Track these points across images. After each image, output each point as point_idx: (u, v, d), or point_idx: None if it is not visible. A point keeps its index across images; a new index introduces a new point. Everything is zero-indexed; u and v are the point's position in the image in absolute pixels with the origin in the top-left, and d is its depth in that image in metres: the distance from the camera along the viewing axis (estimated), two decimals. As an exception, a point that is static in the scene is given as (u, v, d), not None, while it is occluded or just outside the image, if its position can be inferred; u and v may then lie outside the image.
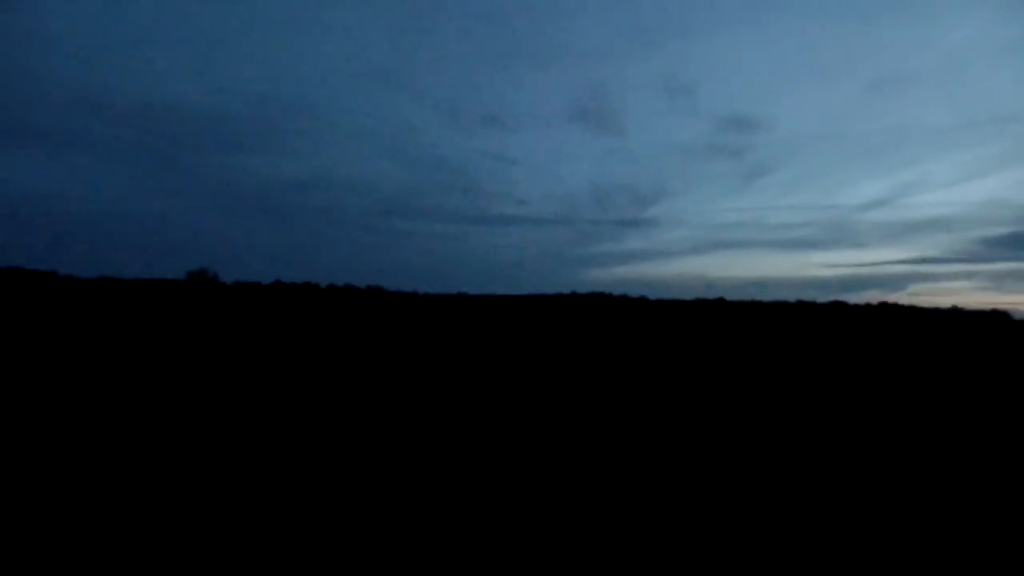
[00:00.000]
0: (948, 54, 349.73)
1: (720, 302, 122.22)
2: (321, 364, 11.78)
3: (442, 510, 4.08)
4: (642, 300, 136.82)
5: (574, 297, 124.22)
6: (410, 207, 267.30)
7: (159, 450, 5.39)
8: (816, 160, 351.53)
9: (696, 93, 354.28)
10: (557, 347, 17.26)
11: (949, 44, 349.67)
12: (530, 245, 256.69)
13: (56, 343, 14.05)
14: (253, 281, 66.05)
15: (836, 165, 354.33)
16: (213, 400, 7.74)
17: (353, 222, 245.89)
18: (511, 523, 3.88)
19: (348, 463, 5.15)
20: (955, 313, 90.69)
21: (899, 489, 4.72)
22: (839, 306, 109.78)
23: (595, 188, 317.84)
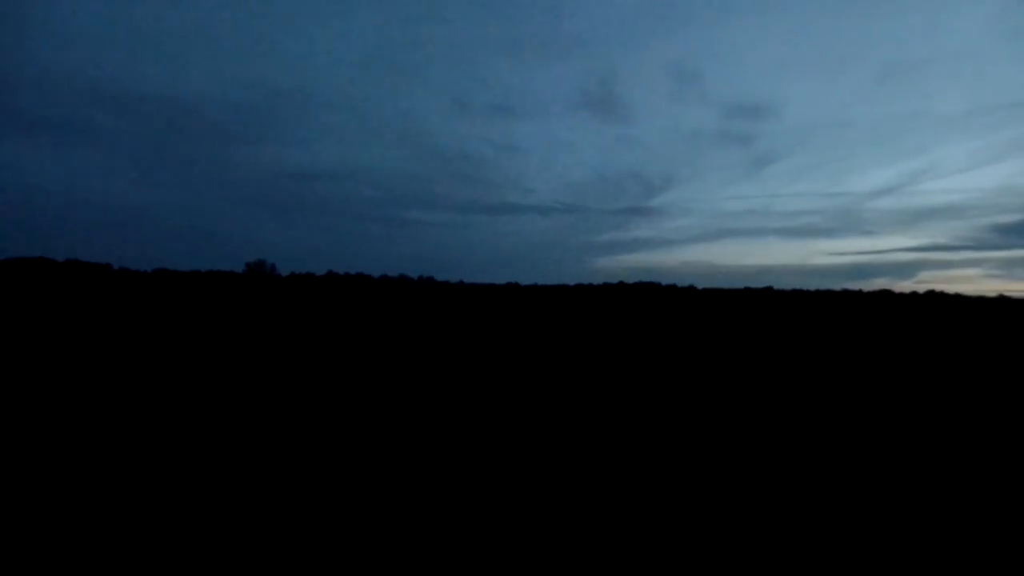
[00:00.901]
0: (957, 41, 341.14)
1: (768, 291, 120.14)
2: (376, 356, 11.63)
3: (514, 502, 4.06)
4: (690, 289, 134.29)
5: (622, 287, 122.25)
6: (417, 196, 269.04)
7: (222, 440, 5.41)
8: (824, 147, 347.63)
9: (704, 81, 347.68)
10: (616, 338, 16.83)
11: (958, 31, 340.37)
12: (538, 234, 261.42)
13: (118, 335, 13.98)
14: (306, 272, 65.11)
15: (845, 152, 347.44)
16: (280, 390, 7.82)
17: (360, 211, 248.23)
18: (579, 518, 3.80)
19: (413, 451, 5.20)
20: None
21: (919, 485, 4.55)
22: (886, 295, 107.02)
23: (603, 176, 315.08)
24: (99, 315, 20.52)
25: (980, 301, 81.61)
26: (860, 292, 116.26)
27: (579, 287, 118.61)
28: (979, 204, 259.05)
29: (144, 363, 9.72)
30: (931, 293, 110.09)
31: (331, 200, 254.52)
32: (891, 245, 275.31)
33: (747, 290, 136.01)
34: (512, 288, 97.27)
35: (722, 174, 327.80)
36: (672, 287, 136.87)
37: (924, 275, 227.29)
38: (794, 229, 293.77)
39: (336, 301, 40.83)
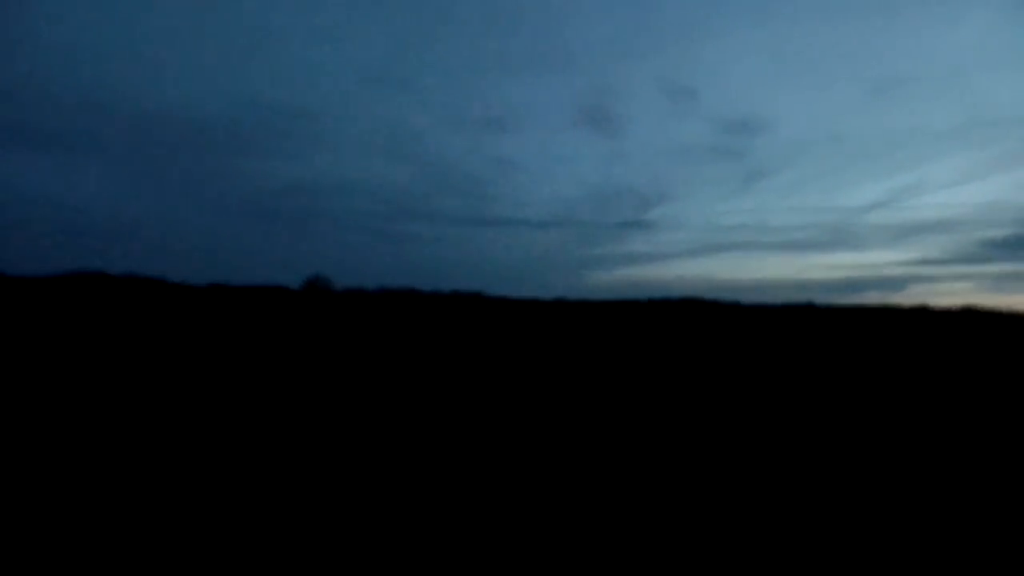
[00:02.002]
0: (949, 57, 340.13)
1: (810, 308, 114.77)
2: (429, 370, 11.69)
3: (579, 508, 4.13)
4: (735, 306, 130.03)
5: (666, 304, 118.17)
6: (412, 210, 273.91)
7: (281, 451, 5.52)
8: (817, 162, 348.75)
9: (697, 96, 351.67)
10: (672, 355, 16.83)
11: (950, 47, 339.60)
12: (532, 247, 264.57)
13: (177, 348, 14.11)
14: (358, 287, 64.26)
15: (837, 167, 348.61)
16: (341, 403, 7.88)
17: (356, 225, 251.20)
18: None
19: (478, 464, 5.22)
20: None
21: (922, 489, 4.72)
22: (923, 311, 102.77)
23: (597, 191, 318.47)
24: (159, 329, 20.60)
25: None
26: (898, 307, 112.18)
27: (625, 302, 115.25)
28: (970, 219, 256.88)
29: (201, 377, 9.62)
30: (968, 309, 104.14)
31: (327, 214, 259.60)
32: (883, 259, 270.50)
33: (788, 306, 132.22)
34: (560, 304, 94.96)
35: (716, 189, 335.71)
36: (716, 303, 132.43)
37: (914, 289, 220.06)
38: (787, 243, 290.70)
39: (389, 315, 40.50)
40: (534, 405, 8.27)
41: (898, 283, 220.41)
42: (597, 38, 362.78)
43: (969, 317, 77.98)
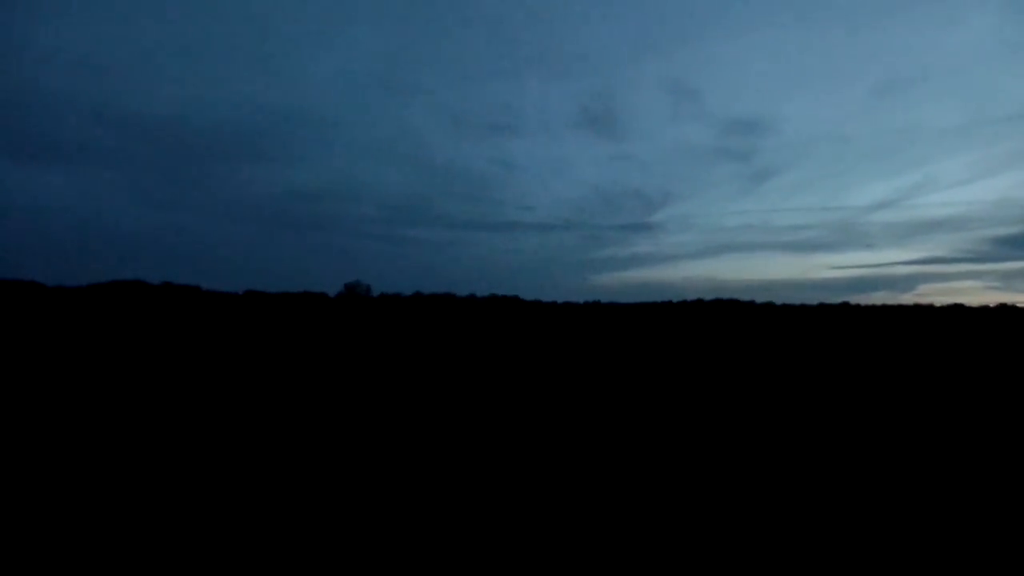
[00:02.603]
0: (955, 55, 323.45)
1: (845, 306, 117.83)
2: (467, 372, 11.91)
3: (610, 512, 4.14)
4: (768, 306, 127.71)
5: (700, 304, 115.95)
6: (417, 214, 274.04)
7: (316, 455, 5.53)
8: (823, 162, 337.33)
9: (701, 97, 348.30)
10: (712, 355, 16.93)
11: (956, 45, 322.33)
12: (538, 251, 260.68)
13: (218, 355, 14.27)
14: (394, 293, 63.27)
15: (843, 167, 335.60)
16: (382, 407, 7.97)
17: (360, 229, 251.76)
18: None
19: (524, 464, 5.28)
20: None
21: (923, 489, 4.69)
22: (958, 309, 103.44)
23: (602, 193, 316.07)
24: (200, 336, 20.60)
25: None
26: (931, 306, 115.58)
27: (658, 304, 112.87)
28: (978, 217, 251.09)
29: (241, 383, 9.81)
30: (1003, 306, 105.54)
31: (331, 218, 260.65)
32: (890, 259, 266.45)
33: (822, 306, 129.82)
34: (594, 306, 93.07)
35: (721, 190, 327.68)
36: (751, 303, 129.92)
37: (923, 288, 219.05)
38: (794, 243, 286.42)
39: (425, 320, 40.32)
40: (576, 405, 8.33)
41: (907, 282, 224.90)
42: (601, 40, 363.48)
43: (1004, 314, 77.09)
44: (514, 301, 76.75)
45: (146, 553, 3.39)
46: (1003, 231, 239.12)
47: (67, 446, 5.71)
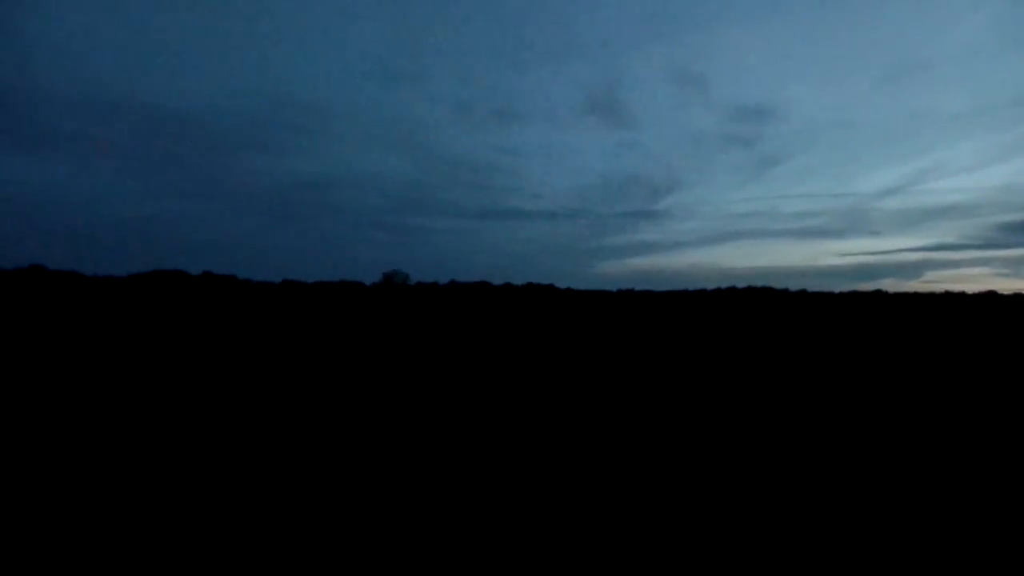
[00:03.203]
0: (962, 40, 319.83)
1: (878, 294, 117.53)
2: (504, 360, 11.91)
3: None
4: (801, 293, 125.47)
5: (733, 292, 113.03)
6: (423, 203, 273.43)
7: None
8: (830, 148, 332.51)
9: (708, 83, 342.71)
10: (751, 343, 16.89)
11: (963, 30, 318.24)
12: (544, 239, 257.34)
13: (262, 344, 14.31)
14: (430, 281, 62.77)
15: (850, 153, 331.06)
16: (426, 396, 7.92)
17: (366, 219, 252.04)
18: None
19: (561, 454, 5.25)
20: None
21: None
22: (992, 295, 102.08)
23: (608, 181, 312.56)
24: (240, 325, 20.63)
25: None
26: (963, 294, 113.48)
27: (689, 292, 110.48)
28: (985, 203, 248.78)
29: (286, 371, 9.79)
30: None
31: (336, 208, 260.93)
32: (897, 245, 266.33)
33: (855, 293, 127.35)
34: (627, 294, 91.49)
35: (727, 176, 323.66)
36: (785, 291, 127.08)
37: (930, 275, 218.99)
38: (801, 230, 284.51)
39: (461, 309, 40.28)
40: (617, 395, 8.29)
41: (914, 269, 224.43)
42: (605, 27, 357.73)
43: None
44: (549, 289, 75.58)
45: (184, 533, 3.44)
46: (1011, 217, 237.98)
47: (118, 431, 5.75)
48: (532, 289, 72.53)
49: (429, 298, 49.18)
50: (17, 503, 3.94)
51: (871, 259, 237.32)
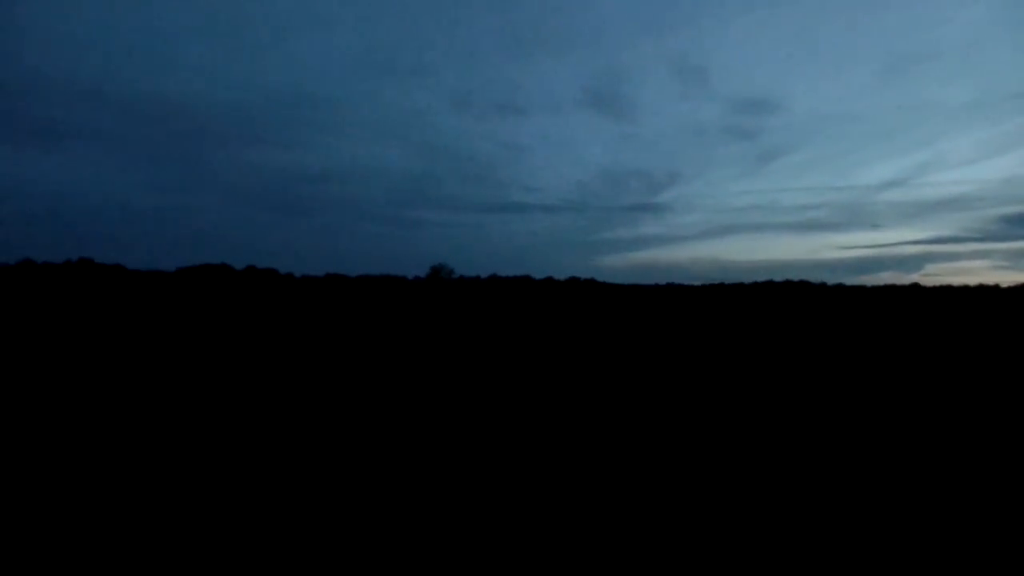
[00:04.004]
0: (963, 32, 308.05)
1: (915, 287, 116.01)
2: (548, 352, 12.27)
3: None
4: (839, 287, 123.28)
5: (771, 285, 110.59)
6: (423, 196, 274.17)
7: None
8: (831, 141, 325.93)
9: (709, 76, 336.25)
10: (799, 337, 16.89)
11: (964, 22, 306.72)
12: (544, 232, 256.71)
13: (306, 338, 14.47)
14: (472, 276, 62.43)
15: (851, 146, 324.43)
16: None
17: (365, 212, 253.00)
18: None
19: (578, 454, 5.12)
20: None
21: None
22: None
23: (609, 174, 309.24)
24: (287, 319, 20.79)
25: None
26: (997, 287, 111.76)
27: (728, 286, 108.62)
28: (986, 195, 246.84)
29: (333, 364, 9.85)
30: None
31: (336, 201, 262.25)
32: (898, 238, 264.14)
33: (890, 287, 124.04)
34: (669, 288, 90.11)
35: (728, 169, 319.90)
36: (823, 285, 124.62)
37: (931, 268, 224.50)
38: (801, 223, 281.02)
39: (502, 304, 40.01)
40: (663, 385, 8.46)
41: (914, 262, 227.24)
42: (606, 19, 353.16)
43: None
44: (590, 283, 74.61)
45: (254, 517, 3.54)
46: (1011, 210, 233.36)
47: (175, 422, 5.84)
48: (574, 284, 71.65)
49: (474, 293, 48.87)
50: (62, 493, 4.00)
51: (872, 252, 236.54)
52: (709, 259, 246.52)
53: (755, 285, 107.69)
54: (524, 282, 65.68)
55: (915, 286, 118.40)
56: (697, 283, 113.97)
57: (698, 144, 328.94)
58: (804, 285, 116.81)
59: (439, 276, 52.85)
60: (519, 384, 8.39)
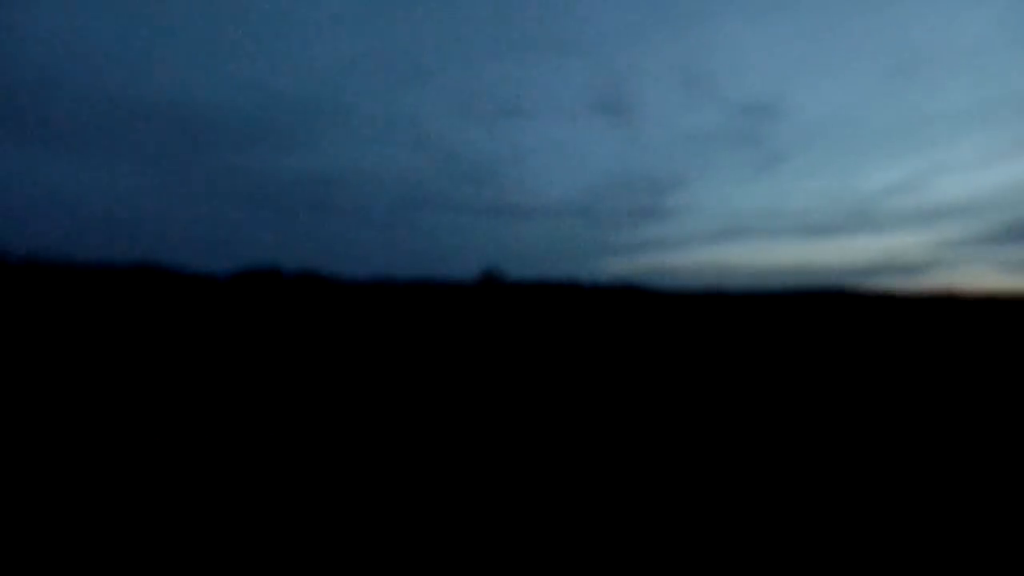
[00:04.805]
0: (968, 38, 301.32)
1: (951, 298, 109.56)
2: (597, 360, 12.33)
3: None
4: (887, 296, 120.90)
5: (809, 294, 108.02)
6: (430, 200, 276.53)
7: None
8: (835, 146, 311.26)
9: (714, 81, 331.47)
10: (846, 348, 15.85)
11: (969, 28, 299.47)
12: (549, 235, 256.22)
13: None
14: (521, 280, 62.49)
15: (856, 150, 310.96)
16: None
17: (371, 215, 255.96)
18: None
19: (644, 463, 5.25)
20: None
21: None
22: None
23: (614, 178, 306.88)
24: (336, 325, 20.90)
25: None
26: None
27: (768, 295, 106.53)
28: (992, 200, 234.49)
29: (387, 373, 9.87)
30: None
31: (342, 204, 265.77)
32: (902, 242, 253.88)
33: (930, 298, 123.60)
34: (715, 298, 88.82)
35: (733, 174, 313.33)
36: (860, 293, 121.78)
37: (935, 272, 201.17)
38: (805, 227, 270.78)
39: (559, 309, 39.85)
40: (711, 397, 8.37)
41: (919, 267, 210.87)
42: (612, 25, 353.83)
43: None
44: (635, 292, 73.96)
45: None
46: (1015, 215, 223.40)
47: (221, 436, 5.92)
48: (622, 290, 71.26)
49: (526, 298, 48.84)
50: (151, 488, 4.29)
51: (875, 256, 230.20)
52: (714, 263, 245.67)
53: (796, 292, 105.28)
54: (572, 288, 65.81)
55: (951, 294, 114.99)
56: (738, 291, 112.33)
57: (704, 148, 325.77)
58: (839, 293, 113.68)
59: (491, 280, 53.01)
60: (580, 396, 8.43)
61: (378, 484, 4.56)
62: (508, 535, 3.62)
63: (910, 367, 12.62)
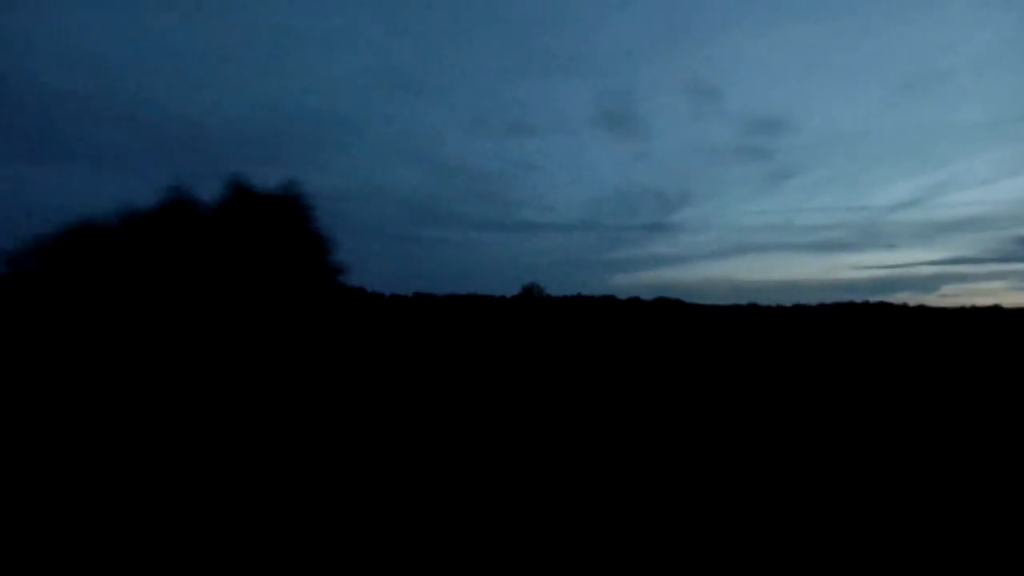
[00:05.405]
0: (978, 51, 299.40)
1: (996, 308, 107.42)
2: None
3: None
4: (920, 308, 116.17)
5: (852, 306, 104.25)
6: (436, 215, 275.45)
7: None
8: (845, 161, 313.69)
9: (722, 95, 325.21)
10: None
11: (979, 41, 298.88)
12: (557, 251, 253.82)
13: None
14: (559, 296, 62.97)
15: (865, 165, 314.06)
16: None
17: (378, 231, 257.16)
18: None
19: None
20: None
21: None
22: None
23: (621, 193, 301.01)
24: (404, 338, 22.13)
25: None
26: None
27: (808, 307, 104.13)
28: (1002, 216, 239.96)
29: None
30: None
31: (350, 220, 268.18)
32: (914, 259, 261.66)
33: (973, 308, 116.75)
34: (751, 309, 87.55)
35: (741, 189, 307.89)
36: (903, 306, 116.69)
37: (947, 289, 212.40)
38: (815, 243, 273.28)
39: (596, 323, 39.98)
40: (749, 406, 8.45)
41: (931, 283, 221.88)
42: (619, 39, 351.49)
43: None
44: (677, 304, 73.49)
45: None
46: None
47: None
48: (659, 304, 70.96)
49: (565, 312, 49.04)
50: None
51: (887, 273, 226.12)
52: (722, 279, 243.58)
53: (837, 305, 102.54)
54: (608, 302, 65.79)
55: (995, 307, 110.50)
56: (773, 304, 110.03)
57: (711, 163, 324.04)
58: (881, 306, 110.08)
59: (531, 295, 53.50)
60: (623, 409, 8.56)
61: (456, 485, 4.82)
62: (560, 531, 3.82)
63: (961, 375, 12.68)
